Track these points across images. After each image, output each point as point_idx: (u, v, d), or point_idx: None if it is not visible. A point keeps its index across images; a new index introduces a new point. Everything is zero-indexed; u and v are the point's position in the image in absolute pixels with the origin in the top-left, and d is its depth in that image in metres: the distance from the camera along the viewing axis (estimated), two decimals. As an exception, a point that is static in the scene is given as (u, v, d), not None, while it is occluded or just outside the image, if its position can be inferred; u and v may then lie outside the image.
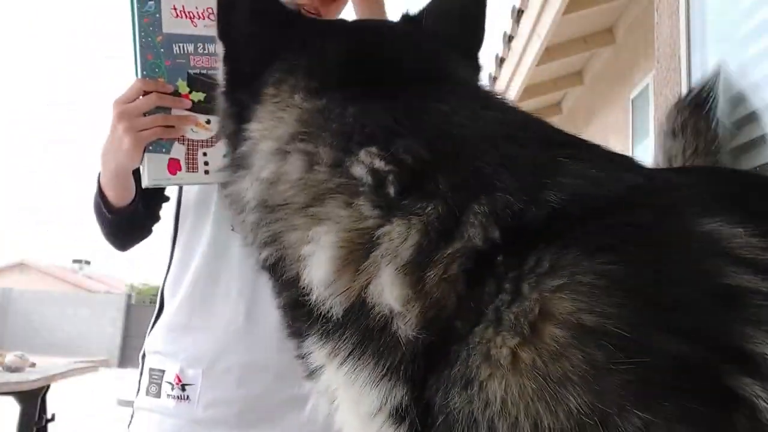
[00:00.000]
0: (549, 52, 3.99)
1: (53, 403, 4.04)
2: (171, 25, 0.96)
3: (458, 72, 0.84)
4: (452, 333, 0.61)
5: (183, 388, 0.98)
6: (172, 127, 0.94)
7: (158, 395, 1.01)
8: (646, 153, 3.34)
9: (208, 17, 0.96)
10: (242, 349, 1.01)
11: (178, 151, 0.97)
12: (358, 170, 0.69)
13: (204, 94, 0.97)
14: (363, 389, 0.66)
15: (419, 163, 0.68)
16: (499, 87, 4.47)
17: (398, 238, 0.65)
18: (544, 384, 0.55)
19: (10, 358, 3.63)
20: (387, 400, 0.64)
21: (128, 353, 17.56)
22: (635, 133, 3.57)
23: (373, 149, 0.69)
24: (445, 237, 0.64)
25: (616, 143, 3.83)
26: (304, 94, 0.77)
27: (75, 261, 35.66)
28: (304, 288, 0.70)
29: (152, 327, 1.06)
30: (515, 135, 0.72)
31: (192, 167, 0.98)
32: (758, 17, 1.31)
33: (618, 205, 0.63)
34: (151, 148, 0.96)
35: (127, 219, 1.04)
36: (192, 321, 1.04)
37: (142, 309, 18.05)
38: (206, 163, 0.98)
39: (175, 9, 0.96)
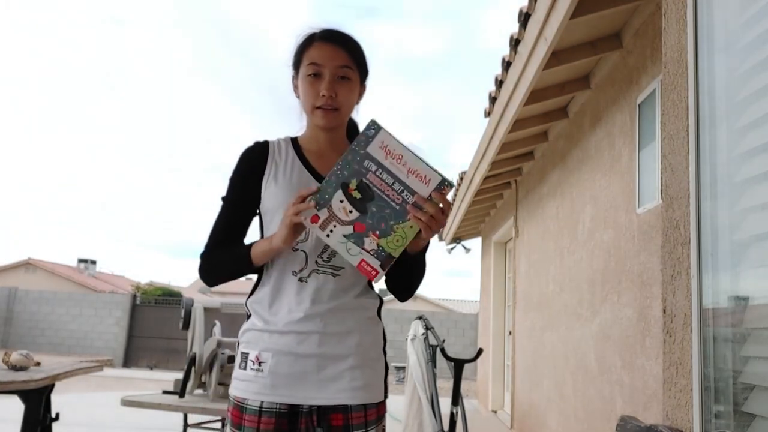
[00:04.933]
0: (556, 56, 3.98)
1: (58, 402, 4.05)
2: (374, 149, 1.41)
3: None
4: None
5: (260, 364, 1.53)
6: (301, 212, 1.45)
7: (245, 368, 1.55)
8: (653, 157, 3.33)
9: (396, 159, 1.40)
10: (295, 344, 1.53)
11: (323, 213, 1.42)
12: None
13: (361, 195, 1.41)
14: None
15: None
16: (506, 91, 4.47)
17: None
18: None
19: (15, 356, 3.63)
20: None
21: (133, 353, 17.60)
22: (642, 138, 3.56)
23: None
24: None
25: (623, 148, 3.82)
26: None
27: (80, 261, 35.78)
28: None
29: (244, 329, 1.61)
30: None
31: (322, 227, 1.42)
32: (766, 23, 1.31)
33: None
34: (317, 206, 1.42)
35: (251, 272, 1.62)
36: (266, 324, 1.57)
37: (147, 309, 18.07)
38: (331, 231, 1.42)
39: (383, 143, 1.40)
